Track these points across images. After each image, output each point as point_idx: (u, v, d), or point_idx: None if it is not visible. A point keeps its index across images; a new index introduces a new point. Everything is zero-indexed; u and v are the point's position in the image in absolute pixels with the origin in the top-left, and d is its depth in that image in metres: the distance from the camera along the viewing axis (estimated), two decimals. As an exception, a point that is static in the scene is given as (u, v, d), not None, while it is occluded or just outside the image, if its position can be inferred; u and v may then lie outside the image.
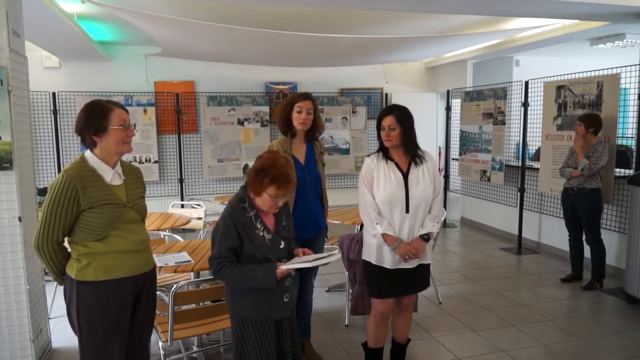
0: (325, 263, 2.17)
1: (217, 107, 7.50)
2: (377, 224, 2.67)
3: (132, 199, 2.20)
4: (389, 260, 2.71)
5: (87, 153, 2.13)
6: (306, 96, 3.00)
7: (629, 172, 4.97)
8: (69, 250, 2.16)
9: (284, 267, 2.11)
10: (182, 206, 6.25)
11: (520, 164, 6.09)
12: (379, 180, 2.71)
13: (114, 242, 2.11)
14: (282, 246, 2.24)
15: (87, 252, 2.09)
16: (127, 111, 2.18)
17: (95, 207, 2.06)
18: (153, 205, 7.01)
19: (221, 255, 2.15)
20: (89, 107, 2.11)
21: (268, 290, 2.18)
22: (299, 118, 2.97)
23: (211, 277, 2.34)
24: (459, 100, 7.27)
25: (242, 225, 2.15)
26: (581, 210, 4.61)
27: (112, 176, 2.15)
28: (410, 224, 2.69)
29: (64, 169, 2.09)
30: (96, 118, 2.08)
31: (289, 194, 2.21)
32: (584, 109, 4.99)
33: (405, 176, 2.71)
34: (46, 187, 2.12)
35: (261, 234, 2.18)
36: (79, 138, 2.14)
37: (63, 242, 2.12)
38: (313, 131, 3.08)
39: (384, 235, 2.66)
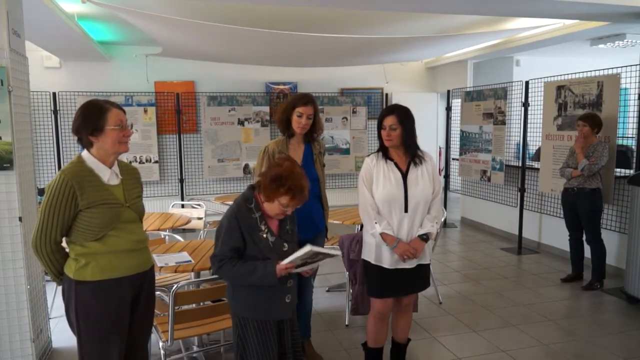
0: (323, 254, 2.15)
1: (217, 107, 7.50)
2: (376, 223, 2.68)
3: (129, 198, 2.20)
4: (387, 259, 2.71)
5: (84, 153, 2.13)
6: (308, 101, 2.99)
7: (629, 172, 4.97)
8: (67, 250, 2.16)
9: (284, 262, 2.10)
10: (183, 206, 6.24)
11: (520, 164, 6.09)
12: (378, 179, 2.72)
13: (112, 241, 2.11)
14: (285, 249, 2.24)
15: (85, 252, 2.09)
16: (124, 111, 2.18)
17: (93, 207, 2.06)
18: (153, 205, 7.01)
19: (223, 254, 2.15)
20: (86, 107, 2.12)
21: (270, 291, 2.19)
22: (299, 122, 2.97)
23: (212, 277, 2.34)
24: (459, 100, 7.27)
25: (247, 226, 2.15)
26: (581, 210, 4.61)
27: (109, 176, 2.15)
28: (409, 224, 2.70)
29: (61, 169, 2.09)
30: (93, 118, 2.08)
31: (299, 205, 2.20)
32: (584, 109, 4.99)
33: (405, 176, 2.72)
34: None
35: (265, 236, 2.18)
36: (76, 138, 2.14)
37: (61, 242, 2.12)
38: (312, 132, 3.08)
39: (382, 234, 2.66)
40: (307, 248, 2.08)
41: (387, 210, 2.69)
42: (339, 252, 2.22)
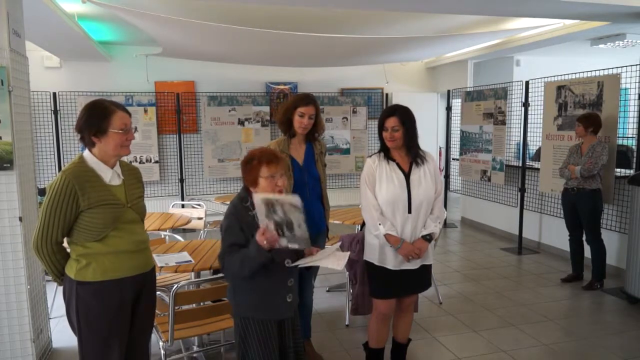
0: (282, 202, 2.04)
1: (217, 107, 7.50)
2: (379, 224, 2.67)
3: (131, 198, 2.20)
4: (391, 261, 2.71)
5: (86, 153, 2.13)
6: (309, 101, 2.98)
7: (630, 172, 4.96)
8: (68, 250, 2.16)
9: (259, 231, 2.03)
10: (183, 206, 6.24)
11: (520, 164, 6.09)
12: (381, 180, 2.71)
13: (113, 242, 2.11)
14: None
15: (86, 252, 2.09)
16: (129, 114, 2.16)
17: (94, 207, 2.05)
18: (153, 205, 7.01)
19: (225, 251, 2.15)
20: (92, 106, 2.10)
21: (271, 290, 2.19)
22: (301, 122, 2.97)
23: (212, 277, 2.34)
24: (460, 100, 7.27)
25: (246, 223, 2.15)
26: (581, 210, 4.61)
27: (111, 176, 2.14)
28: (412, 225, 2.69)
29: (63, 169, 2.08)
30: (97, 119, 2.06)
31: (283, 171, 2.20)
32: (584, 109, 4.99)
33: (407, 176, 2.71)
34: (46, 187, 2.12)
35: None
36: (79, 136, 2.13)
37: (62, 242, 2.12)
38: (313, 132, 3.08)
39: (386, 235, 2.66)
40: (258, 197, 1.99)
41: (390, 212, 2.69)
42: (297, 201, 2.05)
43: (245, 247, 2.14)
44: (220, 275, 2.67)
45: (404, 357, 3.07)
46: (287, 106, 3.04)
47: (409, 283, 2.78)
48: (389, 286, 2.76)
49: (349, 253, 2.31)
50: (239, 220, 2.15)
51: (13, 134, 3.01)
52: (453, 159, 7.72)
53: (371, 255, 2.77)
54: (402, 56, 7.28)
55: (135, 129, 7.00)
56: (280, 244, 2.06)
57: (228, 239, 2.15)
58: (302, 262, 2.22)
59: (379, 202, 2.70)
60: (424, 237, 2.70)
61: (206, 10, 5.12)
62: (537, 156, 6.61)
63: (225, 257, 2.14)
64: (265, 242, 2.03)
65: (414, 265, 2.72)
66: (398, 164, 2.74)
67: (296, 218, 2.04)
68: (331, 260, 2.20)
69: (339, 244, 2.69)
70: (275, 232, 2.04)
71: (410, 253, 2.65)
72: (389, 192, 2.68)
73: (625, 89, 5.06)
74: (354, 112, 8.20)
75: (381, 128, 2.73)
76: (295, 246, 2.09)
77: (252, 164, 2.15)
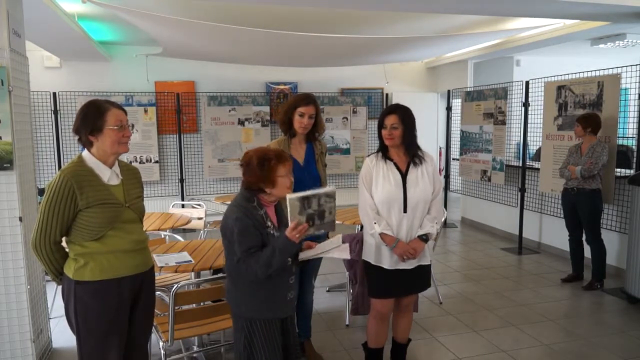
0: (317, 195, 2.15)
1: (217, 107, 7.50)
2: (375, 223, 2.67)
3: (129, 198, 2.20)
4: (387, 260, 2.71)
5: (85, 153, 2.14)
6: (309, 101, 2.99)
7: (630, 172, 4.96)
8: (67, 250, 2.16)
9: (290, 227, 2.10)
10: (183, 206, 6.24)
11: (520, 164, 6.09)
12: (377, 180, 2.72)
13: (112, 241, 2.12)
14: None
15: (84, 251, 2.09)
16: (125, 112, 2.17)
17: (93, 207, 2.06)
18: (153, 205, 7.01)
19: (248, 254, 2.13)
20: (86, 106, 2.12)
21: (273, 289, 2.20)
22: (301, 122, 2.98)
23: (212, 277, 2.34)
24: (460, 100, 7.27)
25: (258, 223, 2.15)
26: (581, 210, 4.61)
27: (109, 176, 2.15)
28: (408, 224, 2.69)
29: (61, 169, 2.09)
30: (92, 118, 2.08)
31: (291, 165, 2.27)
32: (584, 109, 4.99)
33: (404, 176, 2.72)
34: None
35: (271, 232, 2.19)
36: (77, 137, 2.14)
37: (61, 241, 2.12)
38: (313, 132, 3.08)
39: (381, 234, 2.66)
40: (294, 197, 2.04)
41: (386, 211, 2.69)
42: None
43: (261, 247, 2.14)
44: (221, 275, 2.68)
45: (403, 357, 3.07)
46: (287, 106, 3.04)
47: (406, 283, 2.78)
48: (385, 286, 2.77)
49: (348, 244, 2.33)
50: (252, 219, 2.14)
51: (13, 134, 3.01)
52: (453, 159, 7.72)
53: (368, 254, 2.78)
54: (402, 56, 7.28)
55: (133, 126, 7.00)
56: (307, 232, 2.14)
57: (246, 242, 2.12)
58: (304, 256, 2.23)
59: (375, 202, 2.71)
60: (420, 237, 2.70)
61: (206, 10, 5.12)
62: (537, 156, 6.61)
63: (247, 260, 2.11)
64: (297, 236, 2.08)
65: (409, 265, 2.72)
66: (395, 164, 2.74)
67: (329, 207, 2.17)
68: (335, 251, 2.25)
69: (341, 235, 2.70)
70: (306, 223, 2.11)
71: (405, 253, 2.65)
72: (385, 191, 2.68)
73: (625, 89, 5.06)
74: (354, 112, 8.20)
75: (381, 126, 2.74)
76: (321, 231, 2.19)
77: (272, 164, 2.15)
